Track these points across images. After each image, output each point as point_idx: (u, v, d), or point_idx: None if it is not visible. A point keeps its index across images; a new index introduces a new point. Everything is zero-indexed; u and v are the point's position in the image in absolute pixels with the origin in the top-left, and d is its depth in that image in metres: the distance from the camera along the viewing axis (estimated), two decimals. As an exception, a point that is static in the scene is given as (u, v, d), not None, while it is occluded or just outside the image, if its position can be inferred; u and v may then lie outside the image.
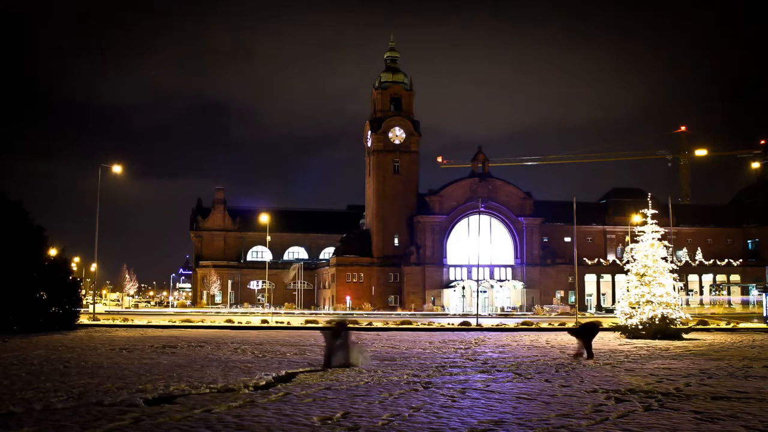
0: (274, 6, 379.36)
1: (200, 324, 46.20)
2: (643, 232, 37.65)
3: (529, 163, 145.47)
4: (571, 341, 27.59)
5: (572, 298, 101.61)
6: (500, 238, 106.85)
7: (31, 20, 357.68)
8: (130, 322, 47.42)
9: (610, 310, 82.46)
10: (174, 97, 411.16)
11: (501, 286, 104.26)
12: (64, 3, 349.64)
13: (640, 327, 35.48)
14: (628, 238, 55.54)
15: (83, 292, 49.16)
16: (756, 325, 51.03)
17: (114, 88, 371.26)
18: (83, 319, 45.84)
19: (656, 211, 38.21)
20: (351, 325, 22.35)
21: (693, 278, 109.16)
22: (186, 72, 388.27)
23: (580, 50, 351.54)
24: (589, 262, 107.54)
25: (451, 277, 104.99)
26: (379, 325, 46.89)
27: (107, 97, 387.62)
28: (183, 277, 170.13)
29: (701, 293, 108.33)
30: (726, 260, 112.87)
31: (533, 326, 45.99)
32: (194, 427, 10.50)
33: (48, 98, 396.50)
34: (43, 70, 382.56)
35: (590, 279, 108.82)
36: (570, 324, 37.26)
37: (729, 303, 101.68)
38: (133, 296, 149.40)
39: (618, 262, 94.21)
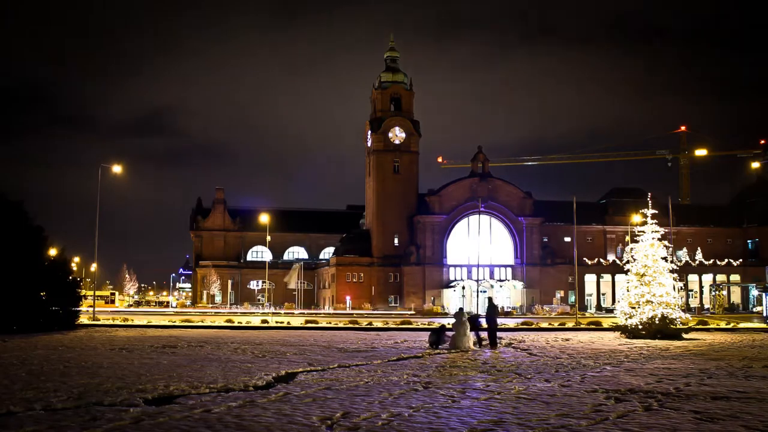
0: (275, 7, 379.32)
1: (200, 324, 46.20)
2: (643, 232, 37.62)
3: (529, 163, 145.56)
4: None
5: (572, 298, 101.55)
6: (500, 238, 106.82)
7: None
8: (130, 322, 47.41)
9: (610, 310, 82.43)
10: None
11: (501, 286, 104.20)
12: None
13: (640, 327, 35.46)
14: (628, 238, 55.55)
15: (83, 292, 49.03)
16: (756, 325, 51.07)
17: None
18: (83, 319, 45.83)
19: (656, 211, 38.18)
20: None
21: (693, 278, 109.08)
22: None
23: (580, 50, 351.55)
24: (589, 262, 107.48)
25: (451, 277, 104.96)
26: (379, 324, 46.89)
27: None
28: (183, 277, 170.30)
29: (701, 294, 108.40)
30: (726, 260, 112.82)
31: (533, 326, 45.99)
32: (194, 427, 10.50)
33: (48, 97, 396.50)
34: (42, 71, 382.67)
35: (590, 279, 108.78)
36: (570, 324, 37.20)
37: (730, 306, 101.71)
38: (132, 296, 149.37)
39: (618, 262, 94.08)
